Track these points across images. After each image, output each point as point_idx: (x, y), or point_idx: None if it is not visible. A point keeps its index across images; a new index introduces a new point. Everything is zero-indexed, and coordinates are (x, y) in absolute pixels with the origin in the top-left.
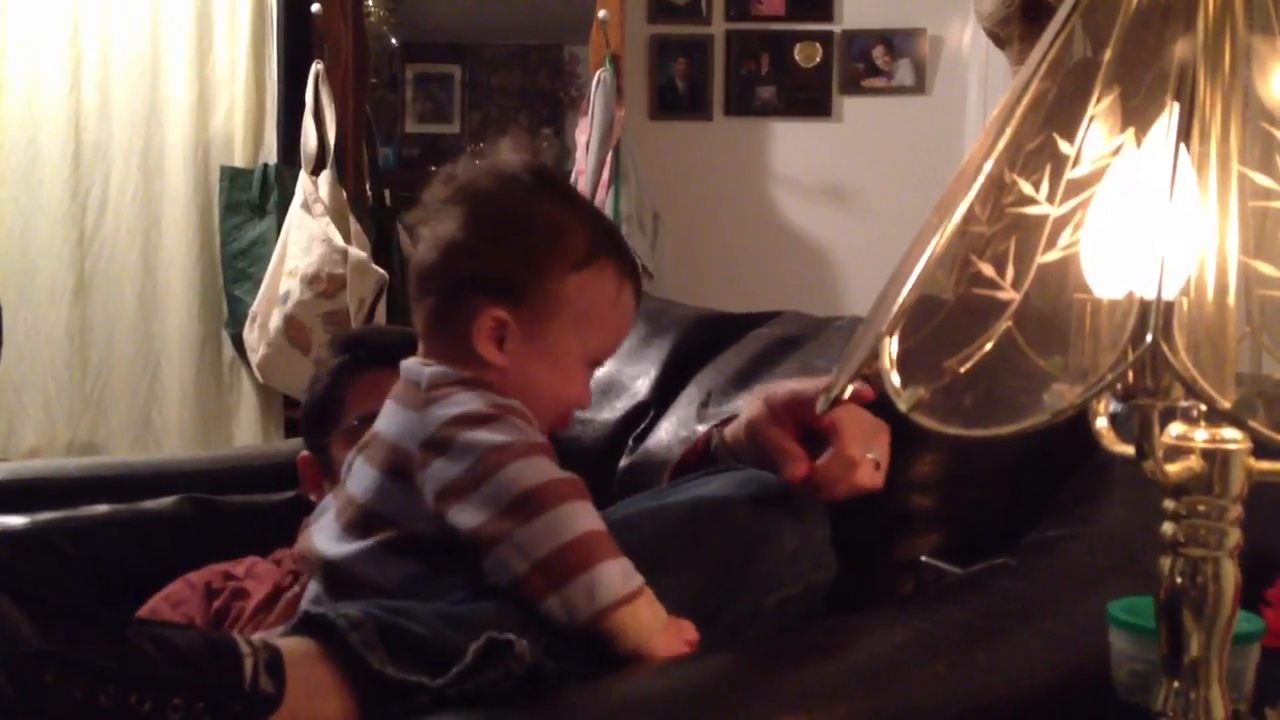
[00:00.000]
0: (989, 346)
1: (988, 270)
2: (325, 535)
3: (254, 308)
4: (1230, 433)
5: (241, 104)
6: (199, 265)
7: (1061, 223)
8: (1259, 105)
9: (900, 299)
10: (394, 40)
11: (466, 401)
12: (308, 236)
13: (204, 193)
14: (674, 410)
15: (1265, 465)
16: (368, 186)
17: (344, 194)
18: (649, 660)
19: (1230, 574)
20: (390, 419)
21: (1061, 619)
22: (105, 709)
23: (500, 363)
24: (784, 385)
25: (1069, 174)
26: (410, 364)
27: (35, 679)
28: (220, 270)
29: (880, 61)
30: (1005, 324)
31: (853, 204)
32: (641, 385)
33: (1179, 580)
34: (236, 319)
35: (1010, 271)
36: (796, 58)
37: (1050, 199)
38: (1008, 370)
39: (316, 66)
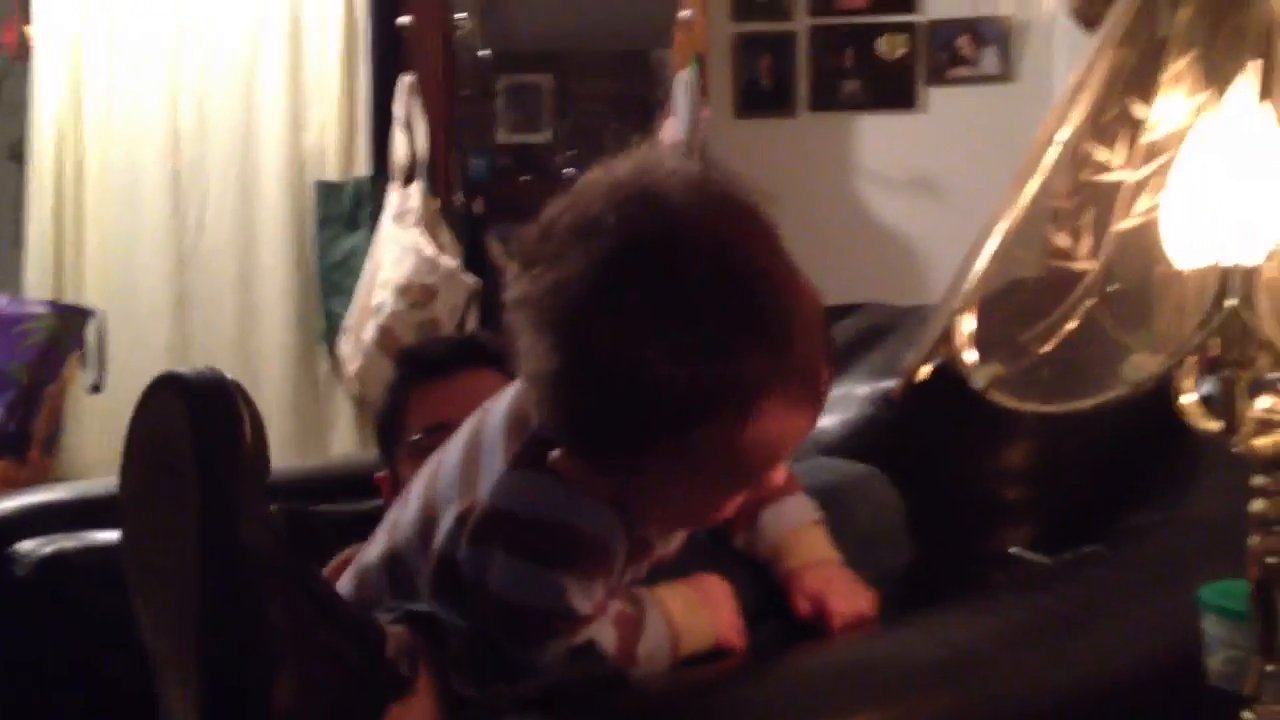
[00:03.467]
0: (1074, 324)
1: (1063, 241)
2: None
3: (349, 320)
4: None
5: (334, 118)
6: (295, 279)
7: (1139, 188)
8: None
9: (973, 275)
10: (483, 51)
11: (540, 502)
12: (399, 248)
13: (299, 207)
14: None
15: None
16: (459, 196)
17: (435, 204)
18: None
19: None
20: (464, 440)
21: (1153, 607)
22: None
23: (609, 493)
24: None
25: (1145, 138)
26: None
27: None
28: (316, 283)
29: (965, 50)
30: (1088, 300)
31: (940, 195)
32: None
33: (1270, 560)
34: (332, 331)
35: (1087, 241)
36: (881, 50)
37: (1127, 165)
38: (1087, 342)
39: (407, 78)
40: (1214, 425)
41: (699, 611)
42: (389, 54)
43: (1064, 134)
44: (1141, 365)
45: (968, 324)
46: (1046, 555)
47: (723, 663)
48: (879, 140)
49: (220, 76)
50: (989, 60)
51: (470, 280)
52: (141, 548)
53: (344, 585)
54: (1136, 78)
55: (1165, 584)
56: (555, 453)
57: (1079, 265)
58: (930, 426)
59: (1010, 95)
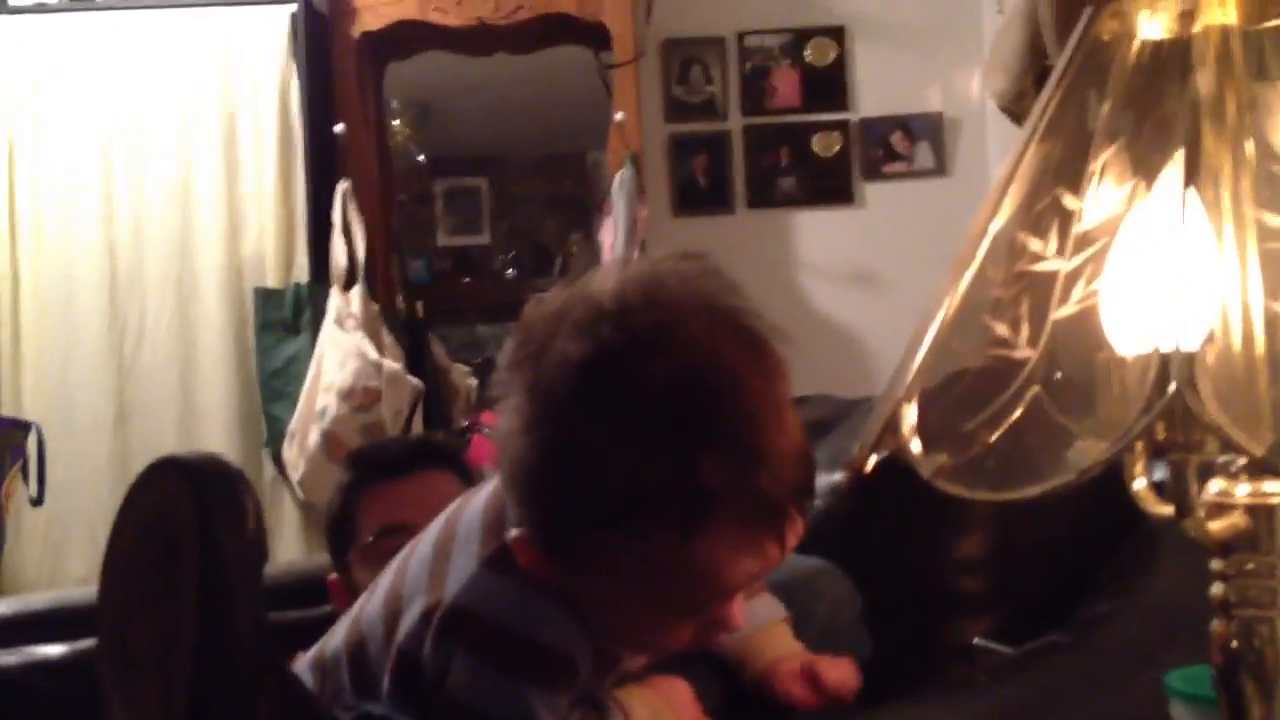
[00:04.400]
0: (1018, 412)
1: (1003, 330)
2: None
3: (292, 425)
4: (1274, 485)
5: (271, 226)
6: (236, 386)
7: (1074, 277)
8: (1267, 149)
9: (914, 366)
10: (420, 157)
11: (509, 607)
12: (342, 352)
13: (238, 315)
14: None
15: None
16: (399, 300)
17: (375, 308)
18: None
19: None
20: (437, 533)
21: (1118, 696)
22: None
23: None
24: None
25: (1077, 228)
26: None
27: None
28: (257, 390)
29: (899, 146)
30: (1031, 388)
31: (880, 288)
32: None
33: (1234, 644)
34: (275, 437)
35: (1026, 329)
36: (815, 148)
37: (1060, 254)
38: (1032, 430)
39: (343, 184)
40: (1166, 510)
41: (663, 715)
42: (325, 160)
43: (997, 225)
44: (1087, 452)
45: (911, 414)
46: (1009, 646)
47: None
48: (817, 235)
49: (155, 186)
50: (923, 155)
51: (414, 382)
52: (124, 635)
53: (304, 676)
54: (1065, 168)
55: (1129, 672)
56: (516, 536)
57: (1019, 354)
58: (883, 519)
59: (945, 189)
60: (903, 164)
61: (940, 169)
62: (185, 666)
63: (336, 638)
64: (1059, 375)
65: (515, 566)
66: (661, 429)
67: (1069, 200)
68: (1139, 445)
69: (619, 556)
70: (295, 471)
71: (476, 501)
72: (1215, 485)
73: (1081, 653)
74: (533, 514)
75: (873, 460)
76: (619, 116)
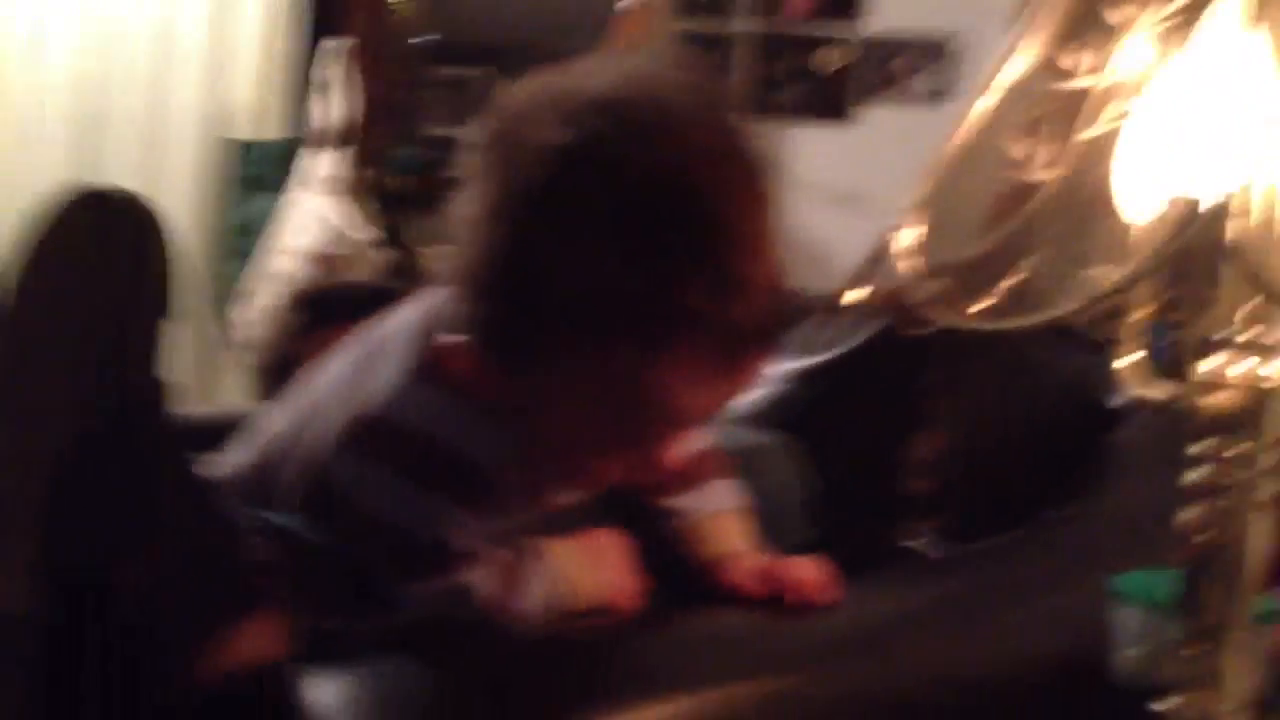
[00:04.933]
0: (1027, 237)
1: (1020, 152)
2: None
3: (246, 285)
4: (1270, 368)
5: (253, 76)
6: (193, 239)
7: (1106, 95)
8: None
9: (919, 191)
10: (421, 38)
11: (435, 418)
12: (309, 215)
13: (205, 164)
14: None
15: None
16: (380, 173)
17: (351, 177)
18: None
19: (1261, 529)
20: (359, 347)
21: (1060, 598)
22: None
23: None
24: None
25: (1116, 45)
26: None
27: None
28: (218, 244)
29: (900, 70)
30: (1046, 211)
31: (868, 211)
32: None
33: (1199, 538)
34: (227, 296)
35: (1046, 151)
36: (818, 62)
37: (1094, 71)
38: (1042, 256)
39: (336, 43)
40: (1152, 391)
41: (589, 571)
42: (321, 14)
43: (1027, 40)
44: (1100, 280)
45: (907, 238)
46: (953, 547)
47: (610, 621)
48: (809, 151)
49: (135, 23)
50: (924, 80)
51: (381, 257)
52: (12, 374)
53: None
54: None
55: (1074, 577)
56: (455, 343)
57: (1035, 176)
58: (844, 410)
59: (944, 117)
60: (902, 88)
61: (938, 98)
62: (66, 410)
63: (238, 454)
64: (1075, 200)
65: (445, 377)
66: (647, 231)
67: (1111, 14)
68: (1134, 317)
69: (574, 365)
70: (243, 333)
71: (404, 314)
72: (1209, 362)
73: (1024, 556)
74: (487, 311)
75: (860, 291)
76: (625, 2)
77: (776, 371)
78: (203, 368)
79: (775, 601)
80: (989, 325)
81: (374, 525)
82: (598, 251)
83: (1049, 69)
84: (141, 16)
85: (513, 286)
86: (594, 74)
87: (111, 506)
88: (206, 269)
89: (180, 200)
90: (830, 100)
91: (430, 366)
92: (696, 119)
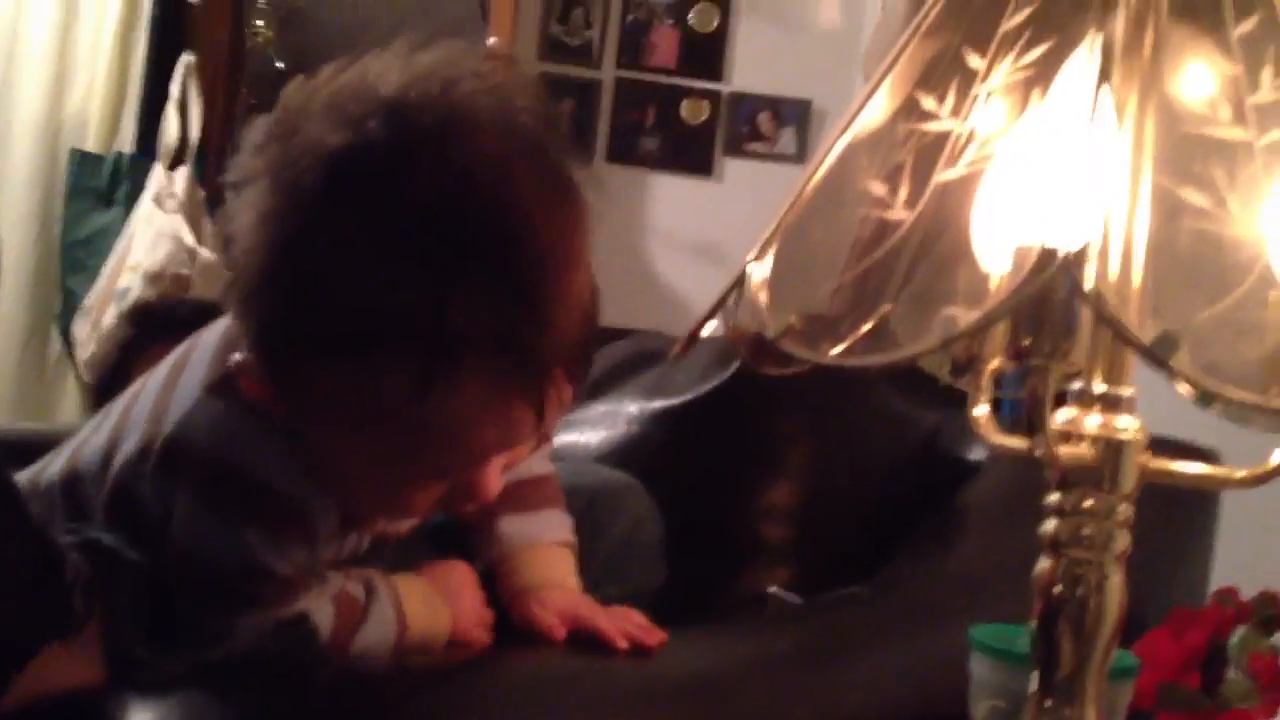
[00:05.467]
0: (882, 276)
1: (879, 189)
2: None
3: (88, 300)
4: (1125, 421)
5: (101, 87)
6: (36, 251)
7: (967, 139)
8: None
9: (775, 224)
10: (279, 64)
11: (228, 440)
12: (156, 232)
13: (50, 175)
14: None
15: (1159, 464)
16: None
17: (201, 194)
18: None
19: (1116, 583)
20: (169, 364)
21: (911, 650)
22: None
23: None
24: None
25: (978, 89)
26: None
27: None
28: (57, 259)
29: (765, 127)
30: (902, 250)
31: (727, 264)
32: None
33: (1058, 588)
34: (68, 311)
35: (905, 190)
36: (684, 113)
37: (955, 114)
38: (896, 295)
39: (187, 58)
40: (1006, 440)
41: (435, 605)
42: (171, 28)
43: (888, 82)
44: (955, 320)
45: (761, 270)
46: (803, 599)
47: (451, 654)
48: (672, 201)
49: None
50: (786, 140)
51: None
52: None
53: None
54: (974, 32)
55: (925, 630)
56: (240, 360)
57: (894, 215)
58: (697, 452)
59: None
60: (766, 144)
61: (802, 156)
62: None
63: (54, 465)
64: (934, 240)
65: (236, 394)
66: (415, 248)
67: (973, 59)
68: (988, 366)
69: (344, 396)
70: (84, 350)
71: (215, 328)
72: (1064, 414)
73: (877, 606)
74: (253, 330)
75: (711, 326)
76: (492, 40)
77: (632, 412)
78: (41, 384)
79: (574, 641)
80: (844, 362)
81: (183, 555)
82: (365, 267)
83: (911, 110)
84: None
85: (269, 305)
86: (385, 71)
87: None
88: (48, 283)
89: (22, 212)
90: (695, 153)
91: (222, 383)
92: (490, 126)
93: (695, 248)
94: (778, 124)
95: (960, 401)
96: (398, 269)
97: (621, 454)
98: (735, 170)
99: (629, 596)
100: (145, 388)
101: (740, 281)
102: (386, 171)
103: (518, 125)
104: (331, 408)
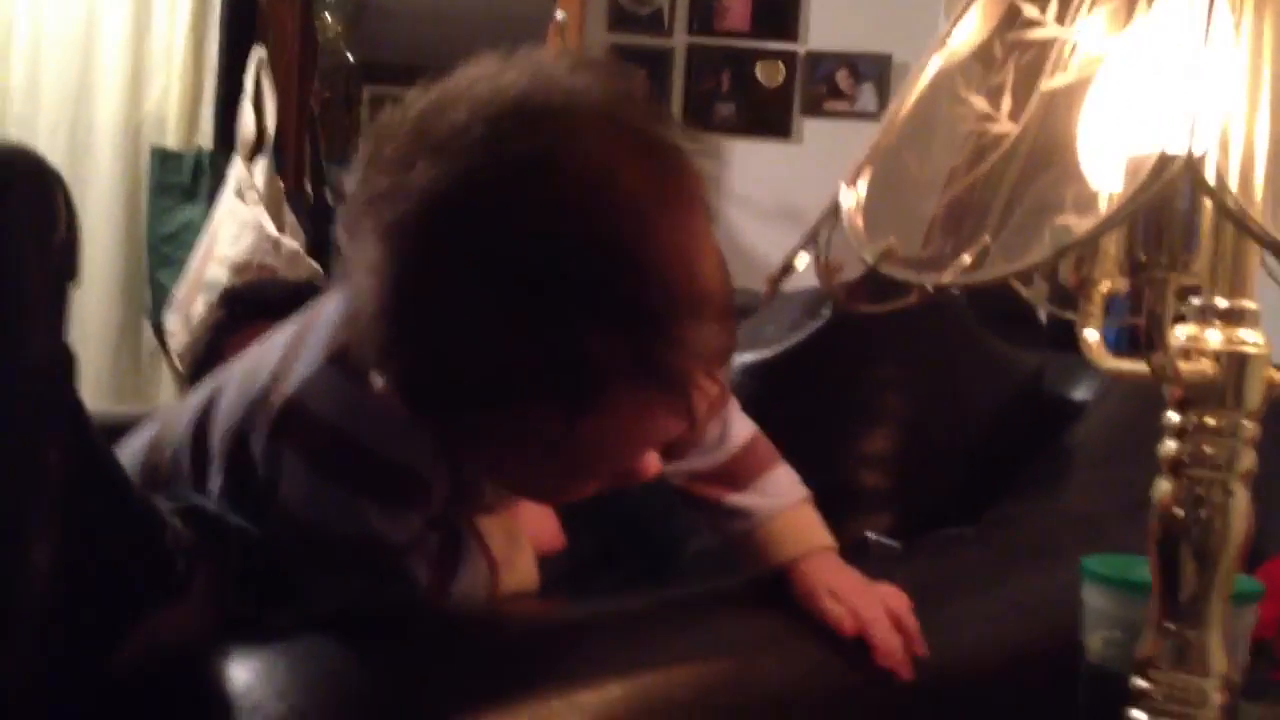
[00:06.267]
0: (990, 191)
1: (980, 104)
2: None
3: (178, 294)
4: (1249, 335)
5: (177, 85)
6: (123, 249)
7: (1072, 47)
8: None
9: (871, 146)
10: (350, 57)
11: (350, 413)
12: (239, 224)
13: (133, 174)
14: None
15: None
16: (307, 183)
17: (280, 185)
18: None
19: (1241, 502)
20: (290, 332)
21: (1022, 587)
22: None
23: None
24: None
25: None
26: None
27: None
28: (146, 255)
29: (844, 85)
30: (1008, 164)
31: (808, 227)
32: None
33: (1178, 510)
34: (159, 306)
35: (1009, 102)
36: (759, 76)
37: (1060, 21)
38: (1005, 210)
39: (259, 52)
40: (1118, 364)
41: (521, 543)
42: (243, 24)
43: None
44: (1070, 228)
45: (857, 195)
46: (909, 540)
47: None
48: (751, 166)
49: (56, 31)
50: (866, 97)
51: (312, 265)
52: None
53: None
54: None
55: (1037, 565)
56: (376, 378)
57: (999, 128)
58: (793, 404)
59: None
60: (845, 103)
61: (883, 112)
62: None
63: (137, 441)
64: (1043, 151)
65: (365, 372)
66: (535, 293)
67: None
68: (1098, 291)
69: (494, 434)
70: (176, 342)
71: (330, 304)
72: (1184, 330)
73: (988, 545)
74: (394, 378)
75: (802, 259)
76: (560, 15)
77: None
78: (137, 377)
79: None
80: (952, 282)
81: (295, 521)
82: (495, 322)
83: (1012, 20)
84: (63, 26)
85: (412, 359)
86: (474, 93)
87: (22, 479)
88: (137, 279)
89: (109, 211)
90: (773, 116)
91: (344, 354)
92: (592, 138)
93: (776, 211)
94: (856, 81)
95: (1063, 342)
96: (529, 319)
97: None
98: (815, 131)
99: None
100: (245, 358)
101: (834, 210)
102: (494, 209)
103: (618, 126)
104: (482, 443)
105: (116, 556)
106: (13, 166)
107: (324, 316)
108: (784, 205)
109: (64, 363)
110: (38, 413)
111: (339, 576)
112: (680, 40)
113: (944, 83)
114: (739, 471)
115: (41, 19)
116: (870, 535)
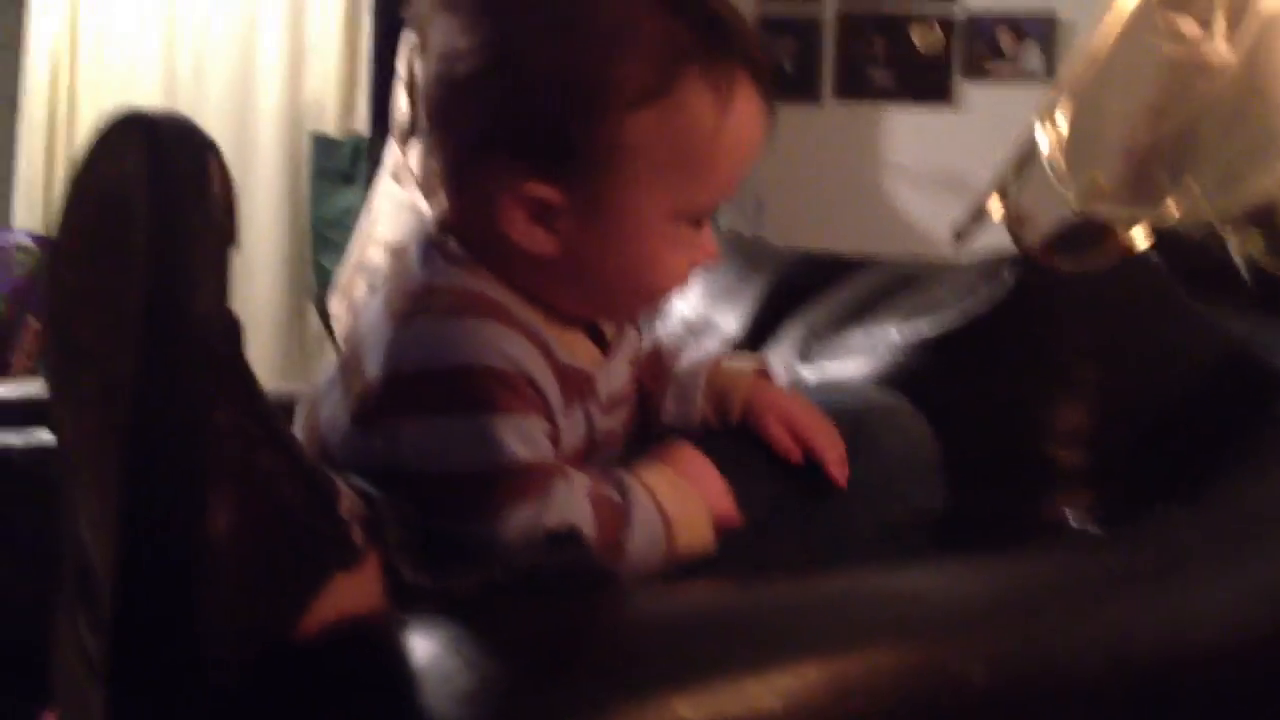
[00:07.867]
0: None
1: (1191, 29)
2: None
3: (341, 277)
4: None
5: (334, 72)
6: (288, 233)
7: None
8: None
9: (1069, 72)
10: None
11: (436, 345)
12: (396, 206)
13: (294, 161)
14: (771, 352)
15: None
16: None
17: (434, 167)
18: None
19: None
20: (366, 310)
21: (1259, 570)
22: None
23: (548, 250)
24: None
25: None
26: (423, 227)
27: None
28: (309, 239)
29: (1006, 45)
30: (1226, 91)
31: (976, 194)
32: (733, 325)
33: None
34: (323, 288)
35: (1221, 26)
36: (914, 39)
37: None
38: (1223, 137)
39: (410, 38)
40: None
41: (686, 491)
42: (395, 11)
43: None
44: None
45: (1054, 135)
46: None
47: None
48: (909, 134)
49: (219, 21)
50: (1030, 56)
51: None
52: (69, 322)
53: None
54: None
55: (1273, 545)
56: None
57: (1212, 55)
58: (977, 377)
59: None
60: (1008, 64)
61: (1049, 73)
62: (129, 357)
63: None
64: (1264, 77)
65: (429, 303)
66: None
67: None
68: None
69: (645, 142)
70: (340, 324)
71: (378, 298)
72: None
73: (1210, 524)
74: (536, 124)
75: (995, 202)
76: None
77: (895, 340)
78: (304, 359)
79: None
80: (1158, 215)
81: (429, 481)
82: (640, 19)
83: None
84: (225, 19)
85: (560, 86)
86: None
87: (192, 444)
88: (302, 263)
89: (272, 197)
90: (931, 81)
91: (416, 305)
92: None
93: (936, 179)
94: (1019, 41)
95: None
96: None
97: (889, 384)
98: (976, 95)
99: (908, 518)
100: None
101: (1025, 152)
102: None
103: None
104: (629, 163)
105: (294, 524)
106: (162, 127)
107: (370, 314)
108: (945, 173)
109: (230, 326)
110: (206, 374)
111: (488, 519)
112: (830, 7)
113: (1146, 11)
114: (667, 350)
115: (205, 11)
116: (1070, 515)
